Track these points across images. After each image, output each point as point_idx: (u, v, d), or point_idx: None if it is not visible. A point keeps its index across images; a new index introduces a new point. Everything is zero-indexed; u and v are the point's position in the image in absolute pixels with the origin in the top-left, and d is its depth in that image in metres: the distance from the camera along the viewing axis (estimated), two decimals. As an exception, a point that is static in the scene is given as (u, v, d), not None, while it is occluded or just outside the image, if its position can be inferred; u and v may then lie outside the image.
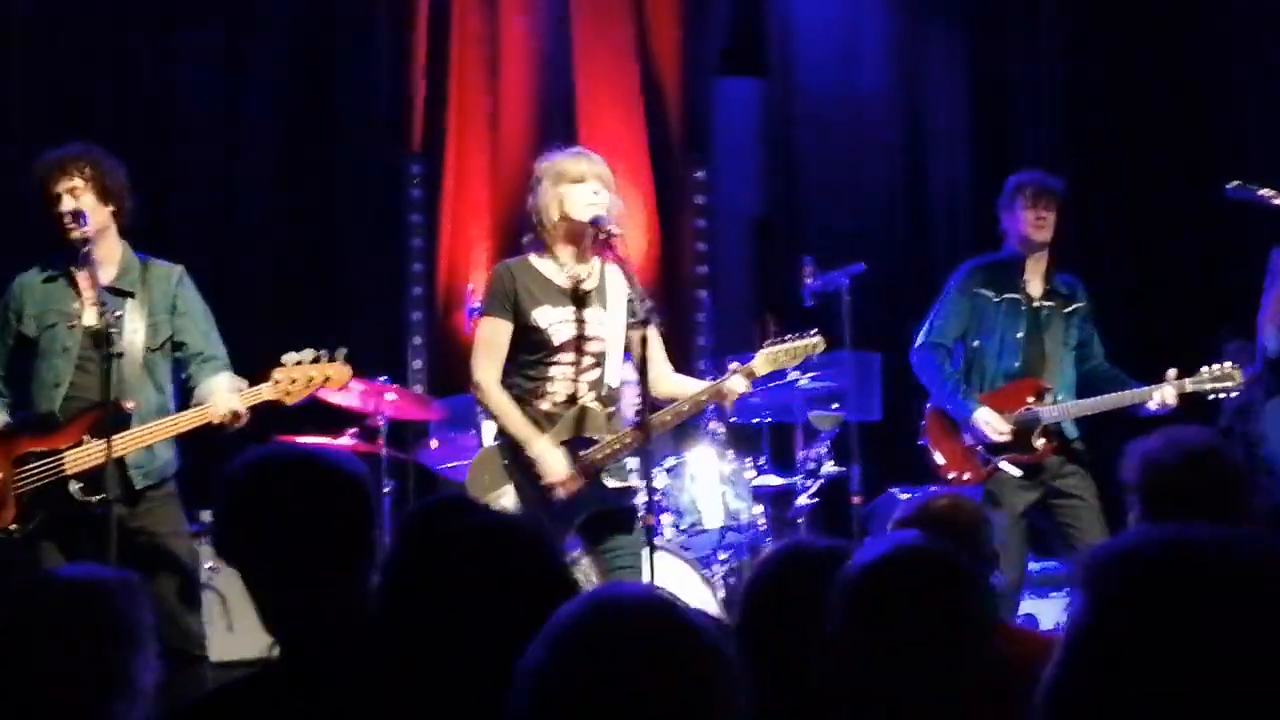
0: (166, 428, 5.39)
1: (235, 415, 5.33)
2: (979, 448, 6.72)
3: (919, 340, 6.97)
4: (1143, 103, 9.26)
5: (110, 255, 5.57)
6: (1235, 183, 6.47)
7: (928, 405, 6.95)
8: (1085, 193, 8.66)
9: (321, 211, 8.83)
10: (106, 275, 5.51)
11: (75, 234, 5.39)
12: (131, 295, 5.53)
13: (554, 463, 5.50)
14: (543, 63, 9.22)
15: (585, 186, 5.53)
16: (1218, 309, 8.46)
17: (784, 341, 5.69)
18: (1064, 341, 6.89)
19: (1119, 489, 4.00)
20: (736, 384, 5.58)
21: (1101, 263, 9.29)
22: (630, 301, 5.58)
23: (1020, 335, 6.83)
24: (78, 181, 5.45)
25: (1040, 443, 6.66)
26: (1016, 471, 6.65)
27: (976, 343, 6.86)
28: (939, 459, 6.86)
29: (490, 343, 5.62)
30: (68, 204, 5.41)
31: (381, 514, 6.32)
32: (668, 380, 5.73)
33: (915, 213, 9.59)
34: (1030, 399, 6.73)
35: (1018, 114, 9.61)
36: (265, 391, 5.38)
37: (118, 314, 5.26)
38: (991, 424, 6.65)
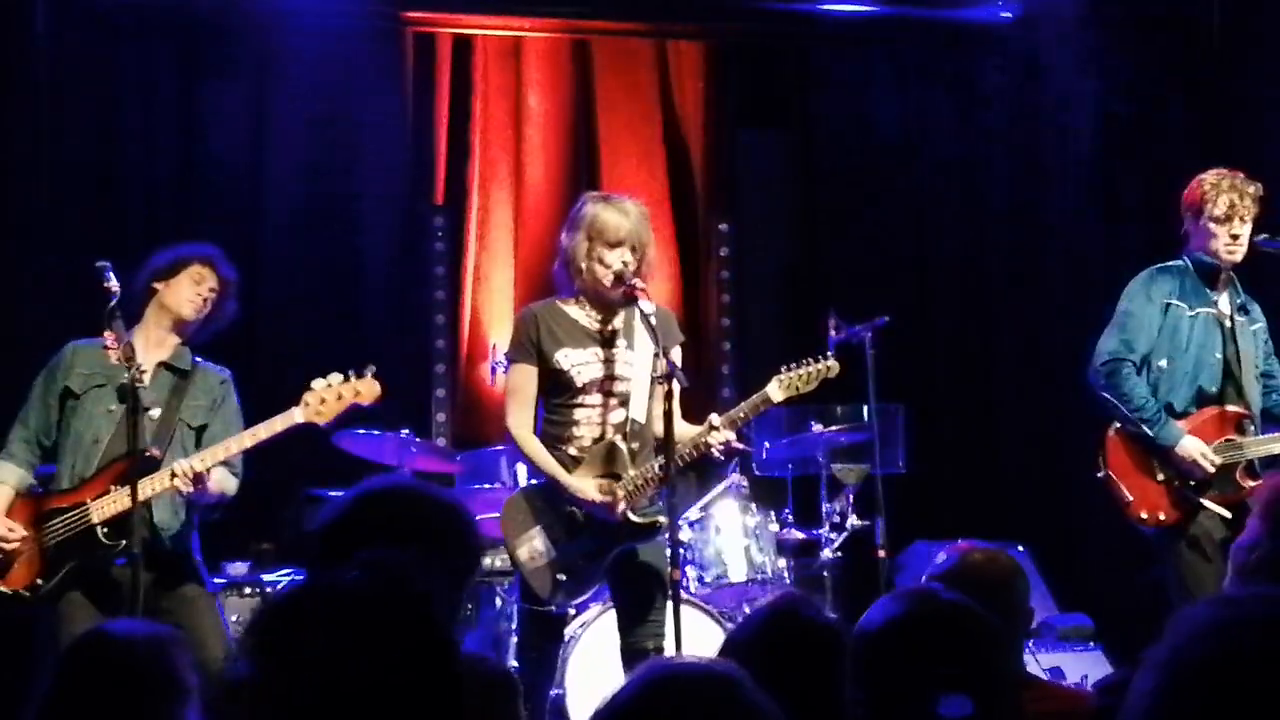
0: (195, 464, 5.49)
1: (192, 475, 5.43)
2: (1177, 483, 6.00)
3: (1102, 356, 6.17)
4: (1175, 155, 9.21)
5: (171, 342, 5.85)
6: (1264, 236, 6.22)
7: (1111, 430, 6.17)
8: (1117, 248, 8.63)
9: (345, 264, 8.84)
10: (161, 354, 5.80)
11: (187, 312, 5.81)
12: (183, 375, 5.79)
13: (588, 488, 5.53)
14: (566, 115, 9.24)
15: (616, 254, 5.55)
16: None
17: (799, 366, 5.67)
18: (1255, 364, 6.21)
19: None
20: (714, 439, 5.51)
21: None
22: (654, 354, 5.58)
23: (1218, 355, 6.11)
24: (219, 289, 5.90)
25: (1249, 484, 5.92)
26: (1226, 513, 5.88)
27: (1164, 361, 6.12)
28: (1126, 494, 6.08)
29: (517, 390, 5.70)
30: (205, 293, 5.84)
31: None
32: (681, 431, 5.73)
33: (940, 265, 9.56)
34: (1230, 429, 6.04)
35: (1044, 166, 9.57)
36: (297, 414, 5.51)
37: (143, 369, 5.37)
38: (1204, 455, 5.93)
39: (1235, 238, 6.10)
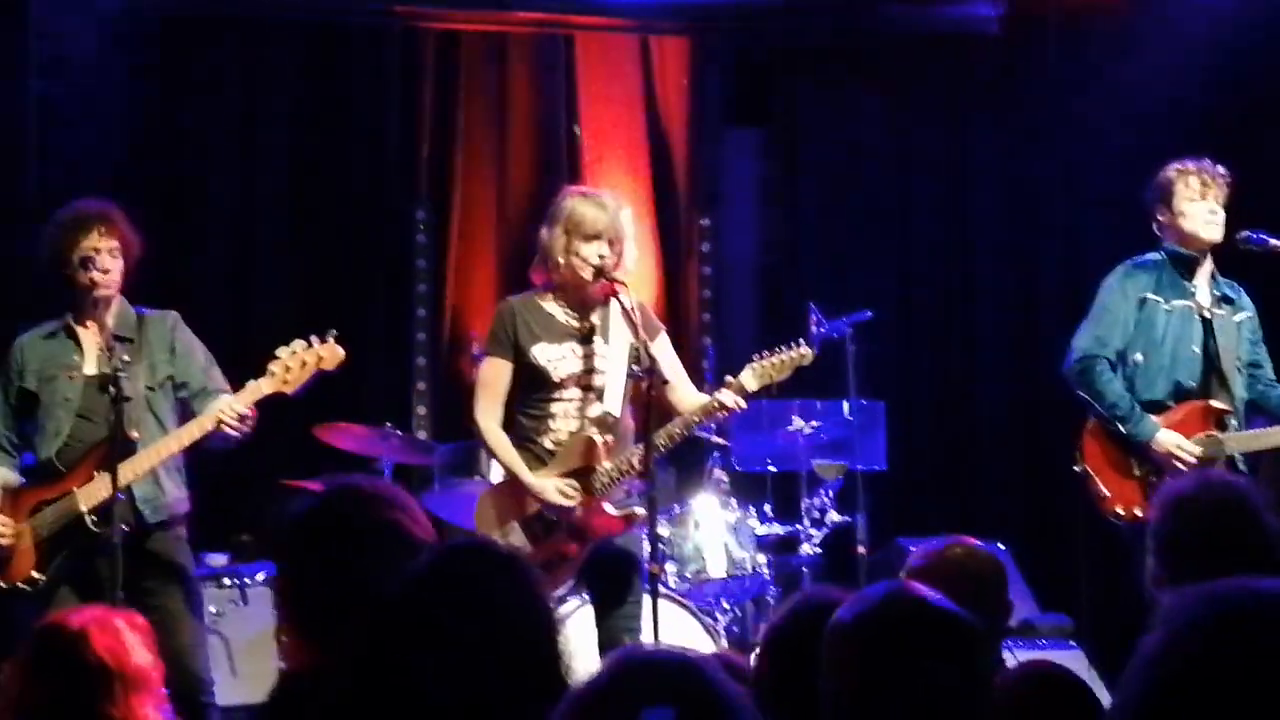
0: (169, 444, 5.46)
1: (239, 416, 5.38)
2: (1153, 479, 5.89)
3: (1076, 353, 6.14)
4: (1160, 148, 9.15)
5: (110, 307, 5.70)
6: (1245, 233, 6.17)
7: (1089, 424, 6.13)
8: (1101, 242, 8.60)
9: (329, 257, 8.84)
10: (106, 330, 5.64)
11: (101, 291, 5.56)
12: (131, 341, 5.64)
13: (549, 490, 5.52)
14: (548, 110, 9.23)
15: (594, 247, 5.55)
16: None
17: (772, 354, 5.65)
18: (1237, 356, 6.11)
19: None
20: (726, 398, 5.57)
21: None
22: (632, 346, 5.58)
23: (1196, 349, 6.04)
24: (114, 242, 5.59)
25: None
26: None
27: (1139, 356, 6.07)
28: (1103, 489, 6.04)
29: (489, 384, 5.72)
30: (105, 262, 5.55)
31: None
32: (688, 397, 5.74)
33: (921, 262, 9.55)
34: (1211, 424, 5.97)
35: (1026, 163, 9.56)
36: (265, 385, 5.47)
37: (125, 358, 5.36)
38: (1180, 447, 5.87)
39: (1214, 213, 6.05)
